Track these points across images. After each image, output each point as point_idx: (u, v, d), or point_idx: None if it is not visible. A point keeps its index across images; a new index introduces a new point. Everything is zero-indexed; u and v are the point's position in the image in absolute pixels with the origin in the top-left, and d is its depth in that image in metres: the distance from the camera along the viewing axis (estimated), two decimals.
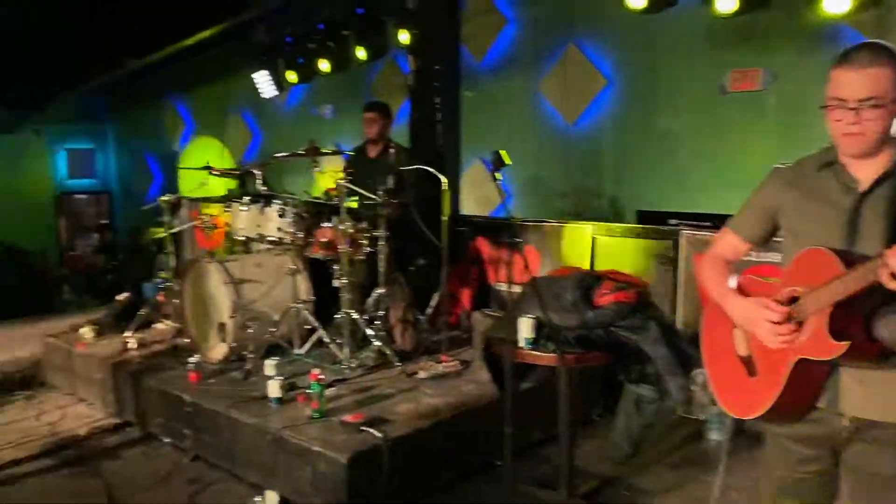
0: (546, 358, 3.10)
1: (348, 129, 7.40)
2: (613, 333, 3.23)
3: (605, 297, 3.31)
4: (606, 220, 5.23)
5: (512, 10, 6.14)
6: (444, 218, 4.35)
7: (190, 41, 7.70)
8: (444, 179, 4.23)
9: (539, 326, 3.12)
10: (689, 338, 3.29)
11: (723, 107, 5.00)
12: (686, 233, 4.43)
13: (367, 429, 3.26)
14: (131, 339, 4.92)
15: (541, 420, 3.69)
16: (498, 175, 3.10)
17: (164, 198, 5.12)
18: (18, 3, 7.59)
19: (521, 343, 3.14)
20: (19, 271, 9.77)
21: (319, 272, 4.66)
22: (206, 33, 7.61)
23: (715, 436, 3.98)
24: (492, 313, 4.12)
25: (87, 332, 5.17)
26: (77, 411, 4.79)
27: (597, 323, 3.23)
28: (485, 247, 5.40)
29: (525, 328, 3.14)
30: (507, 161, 3.10)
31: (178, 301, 4.84)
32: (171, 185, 9.41)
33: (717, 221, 4.05)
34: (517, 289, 4.67)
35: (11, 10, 7.65)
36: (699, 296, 3.97)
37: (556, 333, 3.06)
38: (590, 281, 3.43)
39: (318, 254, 4.46)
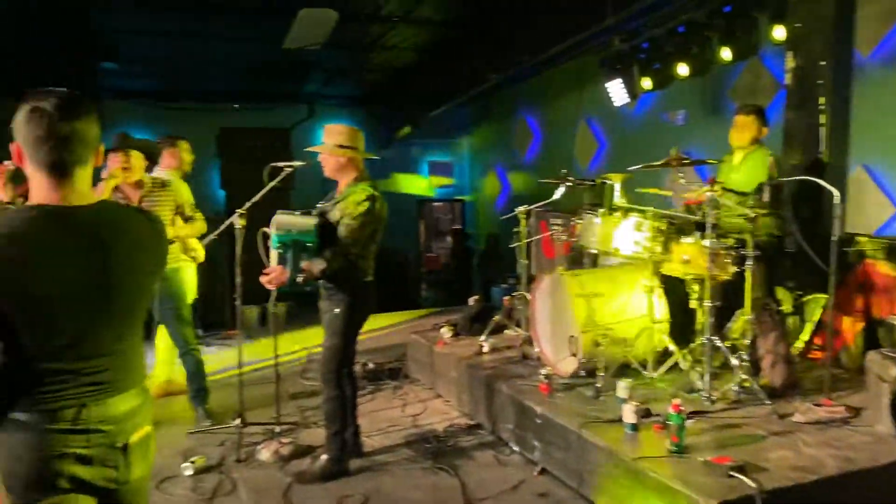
0: None
1: (699, 136, 6.93)
2: None
3: None
4: None
5: None
6: (834, 237, 3.72)
7: (549, 53, 7.88)
8: (835, 192, 3.63)
9: None
10: None
11: None
12: None
13: (738, 475, 2.89)
14: (485, 342, 5.12)
15: None
16: None
17: (520, 209, 5.25)
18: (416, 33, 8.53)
19: None
20: (389, 269, 11.03)
21: (675, 291, 4.36)
22: (560, 46, 7.72)
23: None
24: (892, 354, 3.42)
25: (446, 331, 5.53)
26: (436, 406, 5.13)
27: None
28: (876, 272, 4.56)
29: None
30: None
31: (528, 310, 4.92)
32: (520, 195, 9.80)
33: None
34: None
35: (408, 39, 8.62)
36: None
37: None
38: None
39: (675, 271, 4.16)
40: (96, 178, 3.62)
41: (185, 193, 5.13)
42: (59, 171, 1.90)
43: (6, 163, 5.32)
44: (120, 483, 2.03)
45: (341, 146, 3.85)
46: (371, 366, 5.78)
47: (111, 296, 1.98)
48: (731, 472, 2.91)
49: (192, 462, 4.03)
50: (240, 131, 9.36)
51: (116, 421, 2.00)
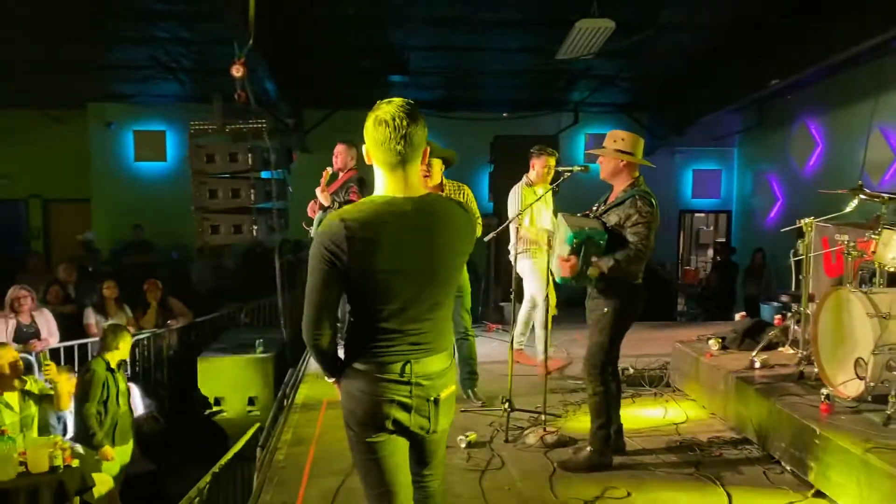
0: None
1: None
2: None
3: None
4: None
5: None
6: None
7: (838, 57, 7.33)
8: None
9: None
10: None
11: None
12: None
13: None
14: (756, 358, 4.95)
15: None
16: None
17: (806, 220, 4.99)
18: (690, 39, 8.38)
19: None
20: (646, 280, 10.88)
21: None
22: (857, 48, 7.14)
23: None
24: None
25: (714, 343, 5.41)
26: (699, 417, 5.06)
27: None
28: None
29: None
30: None
31: (809, 328, 4.66)
32: (796, 208, 9.15)
33: None
34: None
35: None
36: None
37: None
38: None
39: None
40: None
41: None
42: (398, 167, 2.30)
43: (328, 168, 6.26)
44: (429, 432, 2.40)
45: (621, 151, 4.01)
46: (631, 371, 5.83)
47: (435, 270, 2.35)
48: None
49: (466, 436, 4.43)
50: (512, 139, 9.87)
51: (431, 377, 2.37)
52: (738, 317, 6.39)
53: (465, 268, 5.26)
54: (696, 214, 14.21)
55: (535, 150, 5.93)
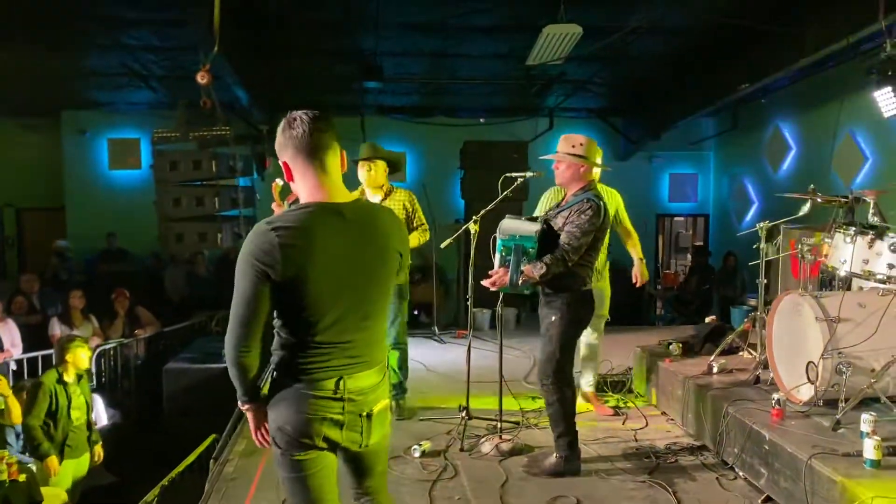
0: None
1: None
2: None
3: None
4: None
5: None
6: None
7: (804, 61, 7.36)
8: None
9: None
10: None
11: None
12: None
13: None
14: (714, 362, 4.94)
15: None
16: None
17: (761, 224, 4.99)
18: (662, 42, 8.39)
19: None
20: (622, 284, 10.87)
21: None
22: (820, 53, 7.17)
23: None
24: None
25: (675, 348, 5.40)
26: (658, 423, 5.05)
27: None
28: None
29: None
30: None
31: (764, 331, 4.65)
32: (771, 211, 9.17)
33: None
34: None
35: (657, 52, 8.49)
36: None
37: None
38: None
39: None
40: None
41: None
42: (320, 172, 2.26)
43: (277, 180, 6.19)
44: (361, 446, 2.36)
45: (573, 155, 3.98)
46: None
47: (368, 277, 2.31)
48: None
49: (420, 445, 4.39)
50: (481, 144, 9.85)
51: (364, 392, 2.32)
52: (708, 320, 6.36)
53: (405, 274, 5.19)
54: (676, 218, 14.24)
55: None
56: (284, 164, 2.30)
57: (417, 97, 11.80)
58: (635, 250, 5.29)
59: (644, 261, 5.28)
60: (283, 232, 2.13)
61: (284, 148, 2.28)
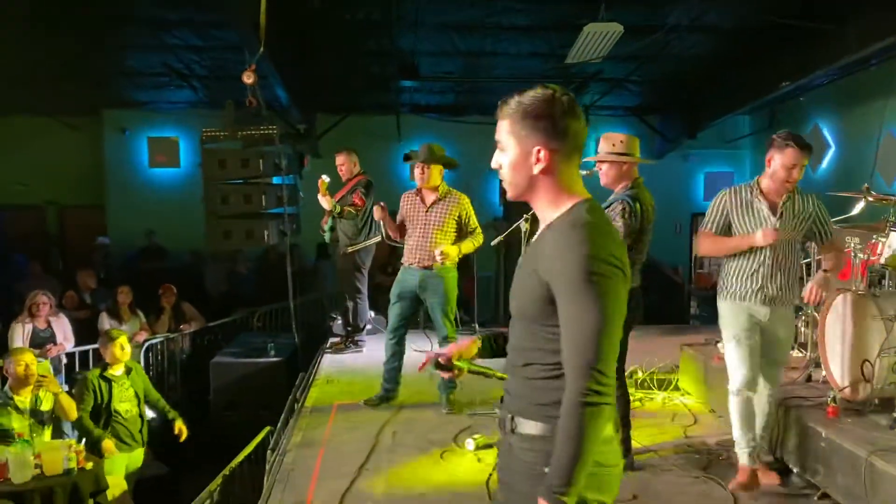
0: None
1: None
2: None
3: None
4: None
5: None
6: None
7: (848, 59, 7.30)
8: None
9: None
10: None
11: None
12: None
13: None
14: None
15: None
16: None
17: None
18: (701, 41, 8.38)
19: None
20: (657, 282, 10.85)
21: None
22: (864, 51, 7.12)
23: None
24: None
25: (721, 347, 5.39)
26: (707, 421, 5.06)
27: None
28: None
29: None
30: None
31: (816, 331, 4.65)
32: None
33: None
34: None
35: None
36: None
37: None
38: None
39: None
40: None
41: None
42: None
43: (323, 177, 6.27)
44: None
45: (615, 153, 4.00)
46: (640, 374, 5.83)
47: None
48: None
49: (475, 439, 4.46)
50: None
51: None
52: None
53: (454, 273, 5.22)
54: None
55: None
56: (551, 151, 1.85)
57: (453, 96, 11.86)
58: None
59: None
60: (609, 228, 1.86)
61: (557, 133, 1.84)
